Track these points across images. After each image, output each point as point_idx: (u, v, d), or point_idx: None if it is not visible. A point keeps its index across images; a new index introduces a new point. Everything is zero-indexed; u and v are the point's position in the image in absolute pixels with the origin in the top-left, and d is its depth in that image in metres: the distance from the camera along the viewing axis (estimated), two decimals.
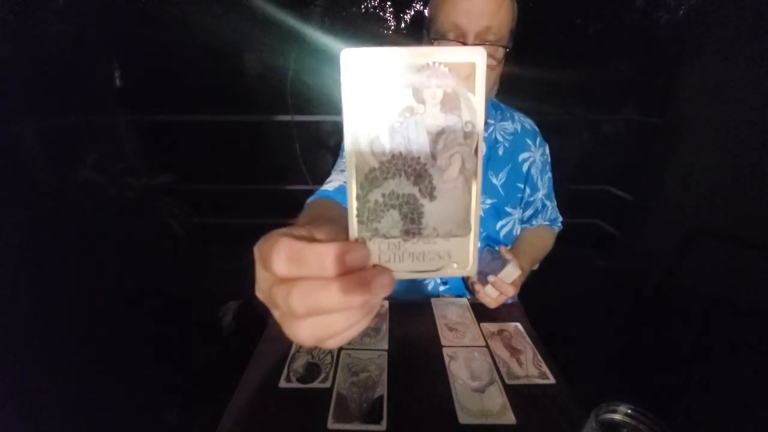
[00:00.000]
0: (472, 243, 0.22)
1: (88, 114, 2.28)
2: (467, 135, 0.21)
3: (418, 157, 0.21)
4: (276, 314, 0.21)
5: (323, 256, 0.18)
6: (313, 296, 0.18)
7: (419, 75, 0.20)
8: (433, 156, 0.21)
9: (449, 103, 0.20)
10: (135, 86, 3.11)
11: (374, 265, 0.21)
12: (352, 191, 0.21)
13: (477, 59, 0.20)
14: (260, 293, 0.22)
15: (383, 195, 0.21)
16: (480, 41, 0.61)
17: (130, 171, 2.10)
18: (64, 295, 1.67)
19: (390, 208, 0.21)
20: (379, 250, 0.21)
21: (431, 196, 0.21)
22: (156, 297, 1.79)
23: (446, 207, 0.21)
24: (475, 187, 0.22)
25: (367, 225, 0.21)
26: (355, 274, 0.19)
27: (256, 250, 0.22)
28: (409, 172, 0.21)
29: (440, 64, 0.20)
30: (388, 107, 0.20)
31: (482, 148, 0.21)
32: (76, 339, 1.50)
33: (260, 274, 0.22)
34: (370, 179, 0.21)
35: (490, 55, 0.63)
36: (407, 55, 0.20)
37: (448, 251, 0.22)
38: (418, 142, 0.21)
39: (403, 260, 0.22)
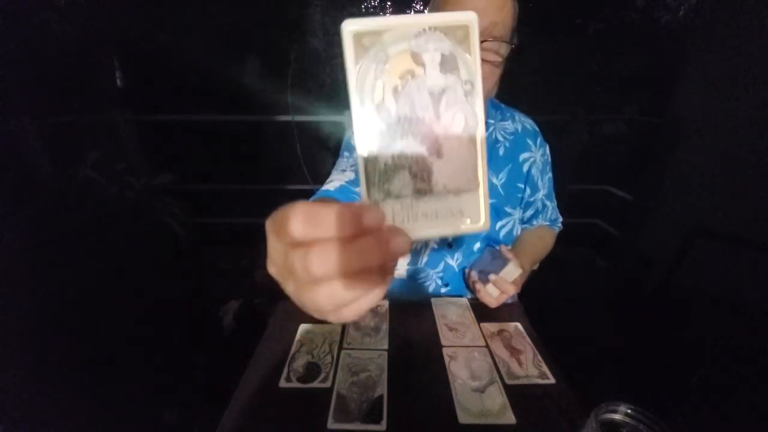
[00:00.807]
0: (483, 198, 0.23)
1: (89, 113, 2.29)
2: (467, 93, 0.22)
3: (423, 117, 0.21)
4: (290, 287, 0.21)
5: (340, 216, 0.18)
6: (332, 257, 0.18)
7: (417, 40, 0.21)
8: (437, 115, 0.22)
9: (448, 64, 0.21)
10: (136, 86, 3.11)
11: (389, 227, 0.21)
12: (362, 155, 0.21)
13: (469, 21, 0.21)
14: (273, 267, 0.22)
15: (392, 156, 0.21)
16: (485, 37, 0.60)
17: (130, 170, 2.10)
18: (64, 295, 1.67)
19: (400, 169, 0.22)
20: (392, 212, 0.22)
21: (438, 154, 0.22)
22: (156, 297, 1.79)
23: (454, 163, 0.22)
24: (479, 143, 0.22)
25: (378, 187, 0.22)
26: (372, 234, 0.18)
27: (269, 222, 0.21)
28: (415, 133, 0.22)
29: (435, 29, 0.21)
30: (390, 72, 0.21)
31: (482, 106, 0.22)
32: (76, 339, 1.50)
33: (273, 246, 0.21)
34: (378, 142, 0.21)
35: (494, 52, 0.62)
36: (404, 23, 0.21)
37: (459, 208, 0.23)
38: (422, 103, 0.21)
39: (417, 220, 0.22)
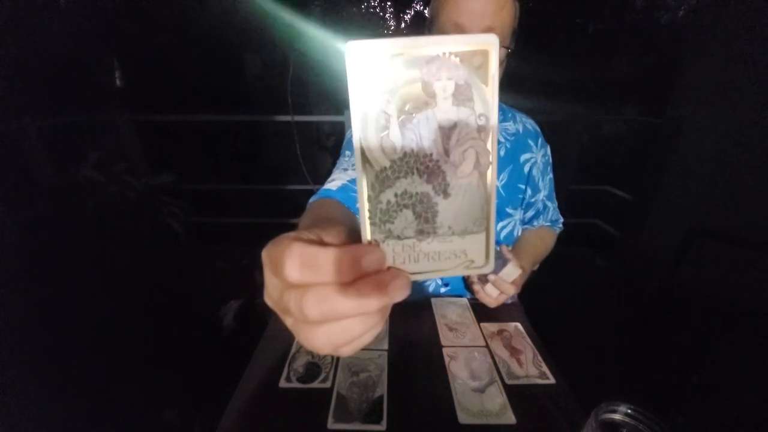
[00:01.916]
0: (489, 239, 0.22)
1: (90, 113, 2.29)
2: (481, 128, 0.20)
3: (431, 154, 0.20)
4: (288, 321, 0.20)
5: (339, 260, 0.18)
6: (328, 302, 0.17)
7: (429, 67, 0.19)
8: (446, 152, 0.20)
9: (461, 95, 0.19)
10: (136, 86, 3.12)
11: (389, 267, 0.20)
12: (363, 192, 0.20)
13: (490, 46, 0.19)
14: (270, 300, 0.21)
15: (395, 195, 0.20)
16: None
17: (130, 170, 2.10)
18: (64, 295, 1.67)
19: (403, 208, 0.20)
20: (393, 252, 0.21)
21: (445, 194, 0.20)
22: (156, 297, 1.79)
23: (461, 204, 0.21)
24: (490, 182, 0.21)
25: (380, 226, 0.20)
26: (371, 277, 0.18)
27: (265, 255, 0.20)
28: (421, 170, 0.20)
29: (450, 54, 0.19)
30: (397, 102, 0.19)
31: (496, 141, 0.21)
32: (77, 338, 1.50)
33: (270, 280, 0.21)
34: (381, 179, 0.20)
35: None
36: (415, 46, 0.19)
37: (463, 249, 0.21)
38: (430, 138, 0.20)
39: (419, 261, 0.21)
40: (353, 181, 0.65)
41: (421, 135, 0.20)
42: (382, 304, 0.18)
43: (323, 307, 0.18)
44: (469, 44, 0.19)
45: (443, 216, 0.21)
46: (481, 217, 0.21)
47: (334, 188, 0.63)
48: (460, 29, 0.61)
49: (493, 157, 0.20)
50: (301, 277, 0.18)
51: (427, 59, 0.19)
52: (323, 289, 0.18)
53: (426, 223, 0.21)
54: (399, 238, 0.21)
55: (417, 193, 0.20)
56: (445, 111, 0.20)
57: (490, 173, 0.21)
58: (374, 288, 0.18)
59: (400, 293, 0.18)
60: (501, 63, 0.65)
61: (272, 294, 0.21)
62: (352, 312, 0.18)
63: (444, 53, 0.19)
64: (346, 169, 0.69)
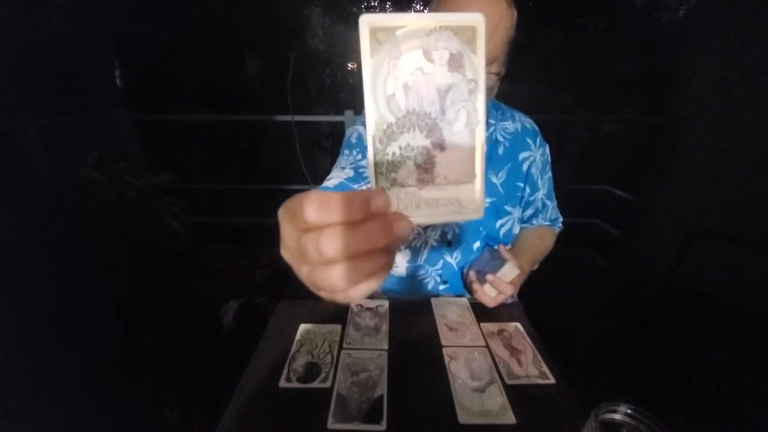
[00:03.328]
0: (479, 188, 0.25)
1: (90, 113, 2.29)
2: (471, 91, 0.23)
3: (430, 112, 0.23)
4: (303, 270, 0.23)
5: (351, 201, 0.20)
6: (342, 239, 0.20)
7: (428, 38, 0.22)
8: (443, 111, 0.23)
9: (455, 62, 0.23)
10: (136, 86, 3.11)
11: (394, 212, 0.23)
12: (372, 146, 0.23)
13: (477, 23, 0.22)
14: (286, 251, 0.24)
15: (400, 147, 0.23)
16: None
17: (130, 170, 2.10)
18: (64, 295, 1.67)
19: (406, 160, 0.23)
20: (397, 199, 0.24)
21: (441, 148, 0.24)
22: (156, 296, 1.79)
23: (454, 156, 0.24)
24: (479, 138, 0.24)
25: (386, 176, 0.23)
26: (378, 218, 0.20)
27: (282, 210, 0.23)
28: (422, 126, 0.23)
29: (446, 28, 0.22)
30: (402, 67, 0.22)
31: (484, 104, 0.24)
32: (76, 338, 1.50)
33: (286, 231, 0.23)
34: (387, 134, 0.23)
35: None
36: (418, 21, 0.22)
37: (458, 198, 0.25)
38: (429, 99, 0.23)
39: (419, 207, 0.24)
40: (350, 179, 0.65)
41: (422, 96, 0.23)
42: (389, 241, 0.20)
43: (337, 243, 0.20)
44: (460, 20, 0.22)
45: (440, 167, 0.24)
46: (471, 168, 0.24)
47: (330, 186, 0.64)
48: None
49: (481, 116, 0.24)
50: (318, 217, 0.20)
51: (427, 31, 0.22)
52: (337, 228, 0.20)
53: (425, 173, 0.24)
54: (402, 185, 0.24)
55: (418, 146, 0.23)
56: (442, 75, 0.23)
57: (479, 131, 0.24)
58: (381, 227, 0.20)
59: (403, 231, 0.21)
60: (491, 89, 0.66)
61: (289, 244, 0.23)
62: (363, 247, 0.20)
63: (441, 27, 0.22)
64: (343, 168, 0.70)
